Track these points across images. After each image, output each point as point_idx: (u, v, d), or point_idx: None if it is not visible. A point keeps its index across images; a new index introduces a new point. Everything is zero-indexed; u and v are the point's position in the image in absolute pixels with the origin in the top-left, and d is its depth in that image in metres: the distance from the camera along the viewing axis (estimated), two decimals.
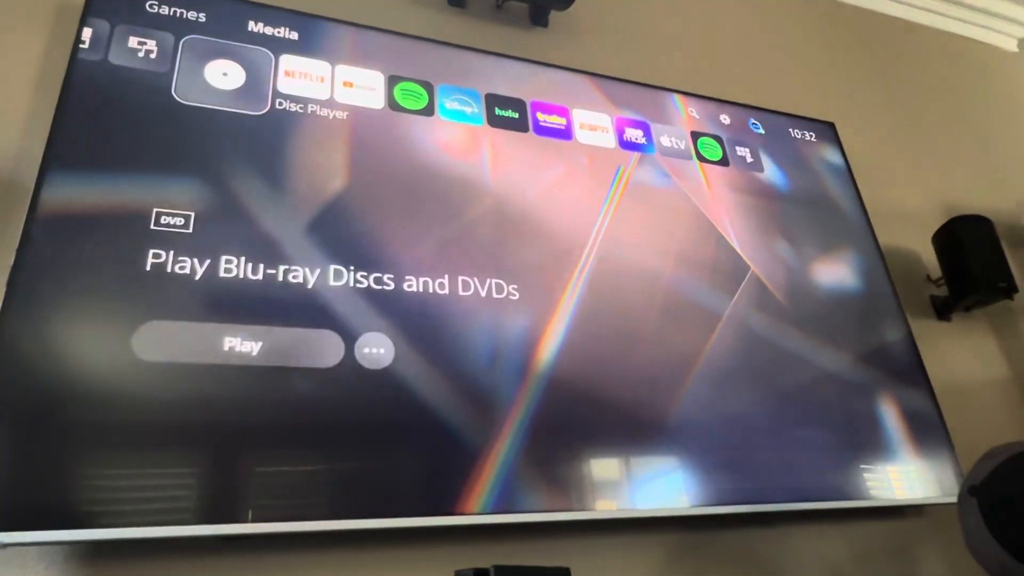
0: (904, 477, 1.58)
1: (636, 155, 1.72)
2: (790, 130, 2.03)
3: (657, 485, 1.34)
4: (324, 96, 1.46)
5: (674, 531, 1.37)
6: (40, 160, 1.19)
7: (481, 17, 1.85)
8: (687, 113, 1.89)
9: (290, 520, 1.06)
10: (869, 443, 1.58)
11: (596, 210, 1.60)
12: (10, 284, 1.08)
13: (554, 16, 1.91)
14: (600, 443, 1.33)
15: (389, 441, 1.18)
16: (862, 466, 1.53)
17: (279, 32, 1.50)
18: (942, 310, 2.03)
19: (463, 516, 1.14)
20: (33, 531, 0.95)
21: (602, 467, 1.32)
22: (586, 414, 1.35)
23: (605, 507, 1.27)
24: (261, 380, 1.14)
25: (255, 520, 1.03)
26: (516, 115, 1.63)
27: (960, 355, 1.98)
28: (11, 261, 1.10)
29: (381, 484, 1.14)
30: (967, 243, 1.92)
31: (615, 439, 1.35)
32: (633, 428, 1.37)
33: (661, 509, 1.31)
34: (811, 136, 2.05)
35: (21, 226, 1.14)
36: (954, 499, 1.54)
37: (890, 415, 1.65)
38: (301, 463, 1.12)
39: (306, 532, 1.08)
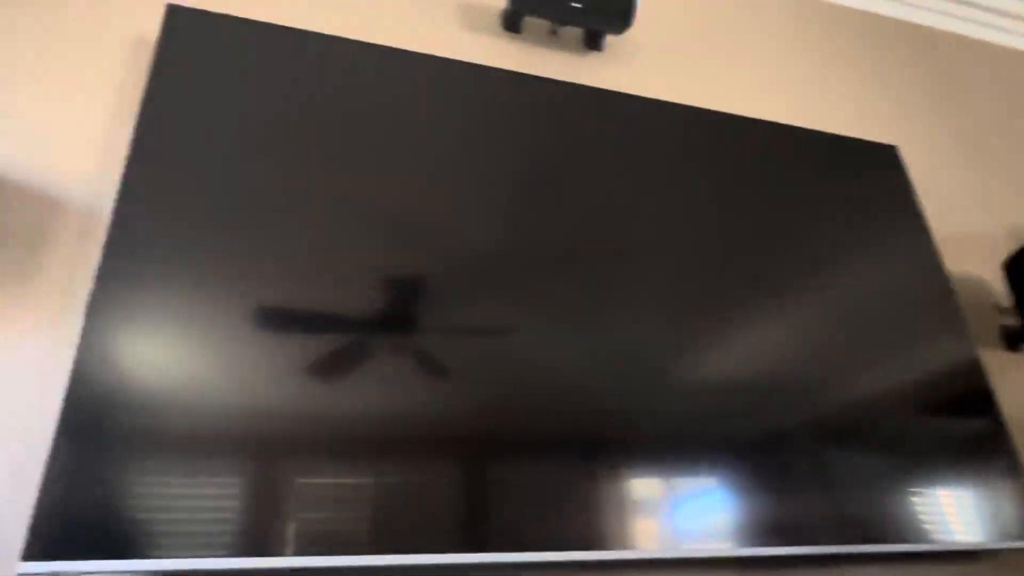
0: (977, 518, 1.51)
1: None
2: (851, 154, 1.98)
3: (700, 522, 1.30)
4: None
5: (718, 571, 1.33)
6: (117, 189, 1.23)
7: (536, 43, 1.86)
8: None
9: (331, 555, 1.06)
10: (939, 481, 1.51)
11: None
12: (89, 313, 1.11)
13: (609, 40, 1.91)
14: (636, 477, 1.30)
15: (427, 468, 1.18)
16: (932, 505, 1.47)
17: None
18: (1013, 340, 1.94)
19: (496, 553, 1.13)
20: (93, 560, 0.96)
21: (640, 504, 1.28)
22: (618, 448, 1.32)
23: (643, 546, 1.24)
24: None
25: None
26: None
27: None
28: (89, 287, 1.14)
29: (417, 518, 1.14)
30: None
31: (651, 472, 1.32)
32: (671, 460, 1.34)
33: (703, 550, 1.27)
34: (873, 160, 2.00)
35: (99, 253, 1.18)
36: None
37: (961, 452, 1.58)
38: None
39: (347, 567, 1.08)
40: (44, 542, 0.91)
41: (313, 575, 1.10)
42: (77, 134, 1.34)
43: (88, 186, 1.30)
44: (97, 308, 1.11)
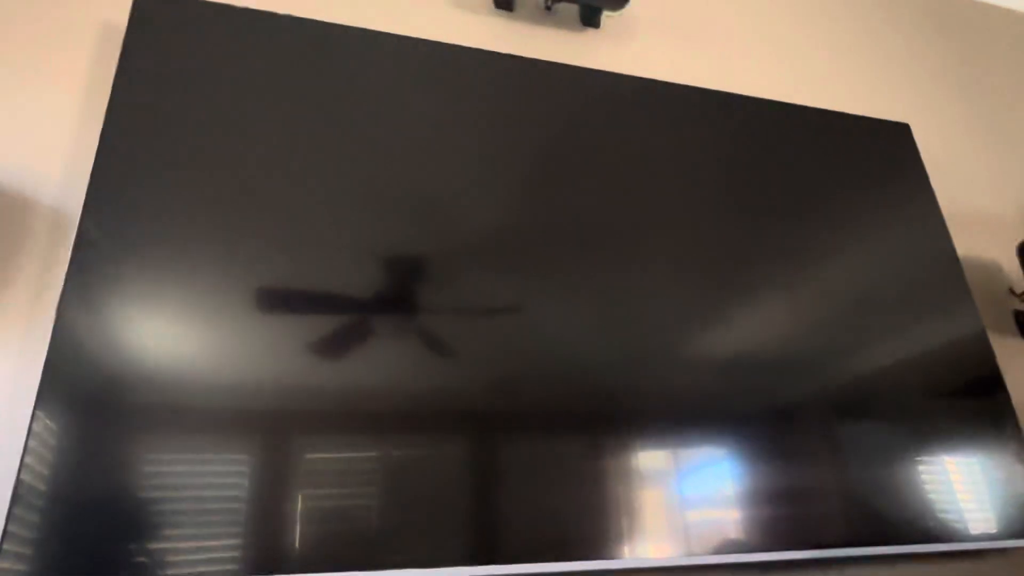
0: (984, 514, 1.46)
1: None
2: (861, 133, 1.89)
3: (707, 527, 1.26)
4: None
5: (726, 573, 1.30)
6: (87, 183, 1.18)
7: (529, 20, 1.77)
8: None
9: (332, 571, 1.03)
10: (945, 477, 1.47)
11: None
12: (59, 317, 1.07)
13: (607, 17, 1.82)
14: (642, 483, 1.26)
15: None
16: (937, 503, 1.42)
17: None
18: None
19: (503, 566, 1.10)
20: None
21: (646, 511, 1.25)
22: (626, 427, 1.28)
23: (652, 553, 1.20)
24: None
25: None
26: None
27: None
28: (59, 291, 1.10)
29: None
30: None
31: (659, 447, 1.28)
32: (679, 438, 1.30)
33: (710, 557, 1.23)
34: (885, 138, 1.91)
35: (68, 255, 1.13)
36: None
37: (968, 444, 1.52)
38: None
39: None
40: (14, 562, 0.88)
41: None
42: (45, 127, 1.28)
43: (59, 180, 1.25)
44: (67, 308, 1.07)
